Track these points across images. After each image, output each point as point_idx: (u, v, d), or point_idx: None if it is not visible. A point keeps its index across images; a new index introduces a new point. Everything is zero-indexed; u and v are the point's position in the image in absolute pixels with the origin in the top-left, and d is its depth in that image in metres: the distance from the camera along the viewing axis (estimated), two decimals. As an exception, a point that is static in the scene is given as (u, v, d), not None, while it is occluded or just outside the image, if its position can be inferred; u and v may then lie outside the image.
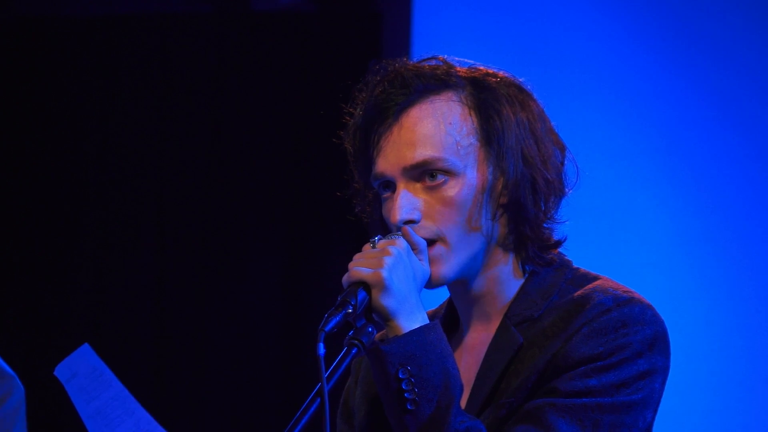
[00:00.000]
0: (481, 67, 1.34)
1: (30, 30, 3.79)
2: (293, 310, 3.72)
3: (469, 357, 1.33)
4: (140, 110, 3.87)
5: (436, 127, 1.28)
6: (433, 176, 1.28)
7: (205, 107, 3.90)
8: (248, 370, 3.67)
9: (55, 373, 1.31)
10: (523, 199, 1.27)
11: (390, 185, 1.30)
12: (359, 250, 1.26)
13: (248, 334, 3.70)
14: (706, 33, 3.00)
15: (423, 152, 1.27)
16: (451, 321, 1.39)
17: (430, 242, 1.28)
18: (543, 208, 1.29)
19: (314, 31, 3.85)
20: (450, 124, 1.29)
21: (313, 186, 3.71)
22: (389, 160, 1.29)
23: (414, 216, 1.28)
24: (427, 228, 1.28)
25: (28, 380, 2.07)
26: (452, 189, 1.28)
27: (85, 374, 1.28)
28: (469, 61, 1.35)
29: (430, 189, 1.28)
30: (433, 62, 1.34)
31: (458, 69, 1.33)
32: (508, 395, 1.23)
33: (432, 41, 3.21)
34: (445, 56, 1.34)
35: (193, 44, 3.86)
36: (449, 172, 1.28)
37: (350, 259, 1.23)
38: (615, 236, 2.90)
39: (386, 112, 1.30)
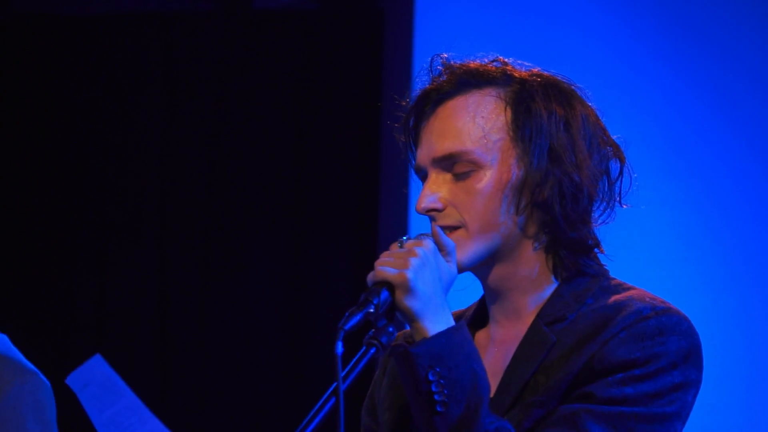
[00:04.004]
0: (535, 69, 1.35)
1: (31, 28, 3.78)
2: (296, 312, 3.72)
3: (497, 350, 1.33)
4: (142, 109, 3.86)
5: (466, 120, 1.30)
6: (461, 167, 1.29)
7: (208, 106, 3.89)
8: (252, 372, 3.66)
9: (67, 381, 1.31)
10: (549, 199, 1.27)
11: (425, 176, 1.32)
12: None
13: (251, 335, 3.69)
14: (706, 32, 3.00)
15: (450, 145, 1.29)
16: (481, 318, 1.39)
17: (453, 229, 1.29)
18: (571, 211, 1.28)
19: (316, 29, 3.84)
20: (482, 117, 1.30)
21: (316, 185, 3.70)
22: (423, 150, 1.32)
23: (437, 205, 1.29)
24: (450, 216, 1.29)
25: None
26: (478, 180, 1.28)
27: (98, 384, 1.29)
28: (527, 63, 1.36)
29: (458, 179, 1.30)
30: (495, 63, 1.35)
31: (509, 68, 1.34)
32: (540, 394, 1.22)
33: (434, 38, 3.21)
34: (510, 59, 1.36)
35: (195, 42, 3.85)
36: (475, 164, 1.29)
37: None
38: (616, 237, 2.89)
39: (427, 104, 1.33)
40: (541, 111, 1.28)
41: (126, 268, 3.72)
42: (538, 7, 3.15)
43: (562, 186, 1.27)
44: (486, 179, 1.28)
